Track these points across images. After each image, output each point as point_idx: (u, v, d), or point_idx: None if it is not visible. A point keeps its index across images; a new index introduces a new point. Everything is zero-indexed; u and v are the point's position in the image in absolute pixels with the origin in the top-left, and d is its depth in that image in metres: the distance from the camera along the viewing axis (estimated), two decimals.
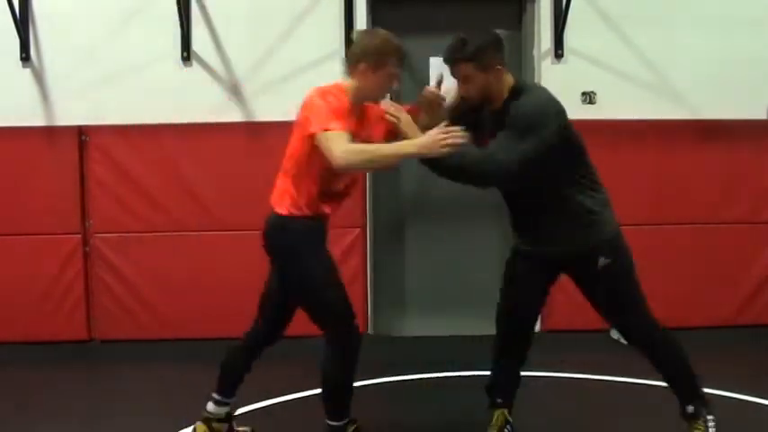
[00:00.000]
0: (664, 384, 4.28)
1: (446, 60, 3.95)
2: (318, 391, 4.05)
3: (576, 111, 6.23)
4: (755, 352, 6.12)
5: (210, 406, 4.34)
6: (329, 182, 3.93)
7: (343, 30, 6.47)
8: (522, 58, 6.88)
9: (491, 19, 6.88)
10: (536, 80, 6.61)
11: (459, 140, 3.67)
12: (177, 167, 6.43)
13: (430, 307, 6.86)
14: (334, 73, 6.45)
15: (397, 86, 4.08)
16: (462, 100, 4.04)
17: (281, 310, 4.23)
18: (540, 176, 3.85)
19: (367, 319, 6.55)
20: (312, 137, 3.78)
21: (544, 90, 4.00)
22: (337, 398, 4.06)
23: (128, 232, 6.48)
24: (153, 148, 6.44)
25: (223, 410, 4.35)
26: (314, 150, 3.80)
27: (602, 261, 3.99)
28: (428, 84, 6.71)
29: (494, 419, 4.39)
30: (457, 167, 3.76)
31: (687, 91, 6.64)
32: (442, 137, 3.66)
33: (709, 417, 4.14)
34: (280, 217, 3.93)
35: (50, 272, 6.46)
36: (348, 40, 6.43)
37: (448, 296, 6.83)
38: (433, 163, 3.79)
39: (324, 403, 4.06)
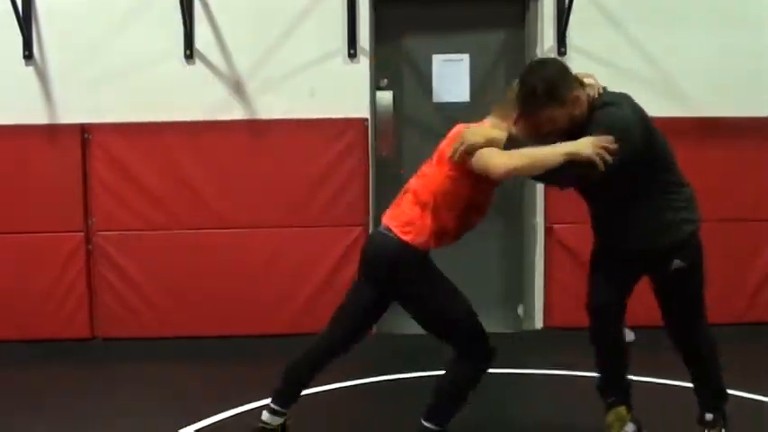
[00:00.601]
0: (657, 381, 4.31)
1: (524, 113, 3.87)
2: (320, 389, 4.02)
3: None
4: (757, 350, 6.11)
5: (266, 416, 4.18)
6: (469, 216, 3.95)
7: (345, 28, 6.46)
8: (525, 57, 6.87)
9: (494, 17, 6.89)
10: None
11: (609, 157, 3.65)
12: (180, 165, 6.42)
13: None
14: (336, 71, 6.46)
15: None
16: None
17: (364, 326, 4.16)
18: (616, 181, 3.81)
19: None
20: (468, 170, 3.80)
21: (622, 103, 3.89)
22: (451, 405, 4.02)
23: (130, 230, 6.47)
24: (155, 146, 6.43)
25: (278, 420, 4.19)
26: (462, 187, 3.84)
27: (676, 263, 3.98)
28: (430, 81, 6.77)
29: (610, 419, 4.33)
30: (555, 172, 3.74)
31: (690, 89, 6.63)
32: (602, 148, 3.64)
33: (723, 430, 4.21)
34: (402, 242, 3.88)
35: (53, 270, 6.45)
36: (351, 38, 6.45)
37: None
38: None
39: (431, 405, 4.02)
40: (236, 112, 6.48)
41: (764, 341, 6.29)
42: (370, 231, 6.55)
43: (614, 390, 4.34)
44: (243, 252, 6.41)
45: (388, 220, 3.99)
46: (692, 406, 4.29)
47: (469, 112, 6.84)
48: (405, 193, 4.03)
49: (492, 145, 3.74)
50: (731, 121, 6.56)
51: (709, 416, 4.20)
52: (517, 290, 6.98)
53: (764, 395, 5.03)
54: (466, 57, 6.83)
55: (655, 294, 4.18)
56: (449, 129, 6.84)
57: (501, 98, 6.85)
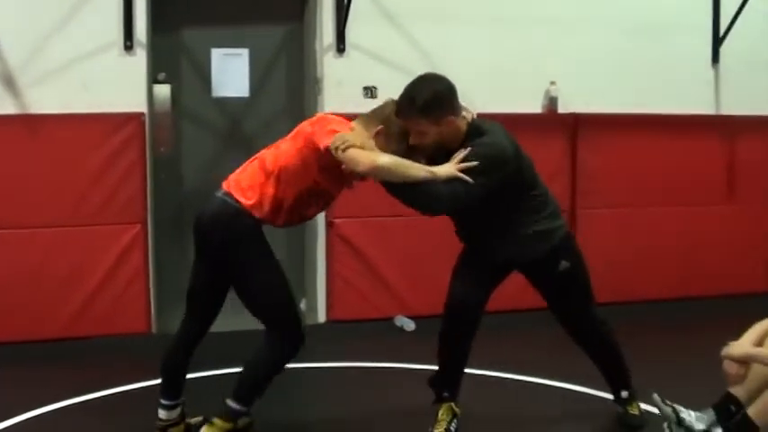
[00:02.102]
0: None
1: (402, 116, 3.92)
2: (102, 393, 3.92)
3: (358, 105, 6.34)
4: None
5: (162, 413, 4.21)
6: (306, 203, 3.96)
7: (121, 19, 6.26)
8: (304, 53, 6.91)
9: (273, 11, 6.88)
10: (318, 74, 6.68)
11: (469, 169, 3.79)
12: None
13: None
14: (112, 63, 6.26)
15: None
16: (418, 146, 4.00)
17: (212, 304, 4.14)
18: (488, 204, 3.94)
19: (150, 319, 6.42)
20: (320, 150, 3.78)
21: (499, 132, 4.03)
22: (255, 386, 4.02)
23: None
24: None
25: (175, 413, 4.23)
26: (310, 167, 3.84)
27: (563, 264, 4.17)
28: (209, 75, 6.69)
29: (441, 414, 4.36)
30: (413, 191, 3.80)
31: (466, 86, 6.78)
32: (457, 168, 3.80)
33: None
34: (240, 207, 3.85)
35: None
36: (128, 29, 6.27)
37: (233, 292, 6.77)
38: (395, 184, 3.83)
39: (238, 384, 4.00)
40: (7, 107, 6.16)
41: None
42: (149, 229, 6.42)
43: (450, 385, 4.41)
44: (15, 253, 6.09)
45: (228, 184, 3.97)
46: (474, 389, 4.45)
47: (249, 106, 6.85)
48: (252, 160, 4.03)
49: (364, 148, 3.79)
50: (508, 117, 6.78)
51: (624, 393, 4.47)
52: (300, 284, 7.01)
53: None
54: (245, 51, 6.80)
55: (547, 299, 4.37)
56: (228, 124, 6.89)
57: (283, 94, 6.98)
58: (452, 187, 3.79)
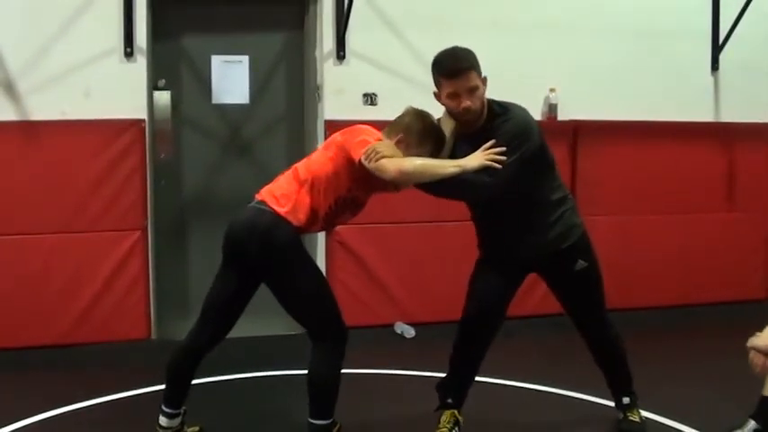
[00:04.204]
0: (440, 375, 4.46)
1: (457, 72, 3.97)
2: (102, 399, 3.92)
3: (357, 112, 6.37)
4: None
5: (163, 419, 4.18)
6: (340, 210, 3.96)
7: (121, 26, 6.28)
8: (304, 60, 6.92)
9: (274, 19, 6.89)
10: (318, 81, 6.69)
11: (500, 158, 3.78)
12: None
13: None
14: (112, 70, 6.27)
15: None
16: (461, 123, 4.04)
17: (233, 314, 4.12)
18: (519, 188, 3.94)
19: (150, 325, 6.41)
20: (353, 161, 3.80)
21: (519, 108, 4.10)
22: (329, 397, 3.98)
23: None
24: None
25: (176, 422, 4.20)
26: (342, 175, 3.86)
27: (580, 264, 4.19)
28: (209, 82, 6.70)
29: (443, 420, 4.36)
30: (451, 186, 3.82)
31: None
32: (486, 156, 3.78)
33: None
34: (277, 215, 3.84)
35: None
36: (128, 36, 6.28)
37: None
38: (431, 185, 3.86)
39: (312, 404, 3.96)
40: (8, 113, 6.16)
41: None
42: (149, 236, 6.42)
43: (456, 393, 4.42)
44: (15, 260, 6.09)
45: (262, 194, 3.97)
46: (474, 396, 4.45)
47: (249, 113, 6.85)
48: (284, 172, 4.03)
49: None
50: None
51: (625, 399, 4.49)
52: None
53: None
54: (245, 58, 6.81)
55: (562, 299, 4.38)
56: (228, 131, 6.89)
57: (283, 101, 6.98)
58: (487, 174, 3.79)
